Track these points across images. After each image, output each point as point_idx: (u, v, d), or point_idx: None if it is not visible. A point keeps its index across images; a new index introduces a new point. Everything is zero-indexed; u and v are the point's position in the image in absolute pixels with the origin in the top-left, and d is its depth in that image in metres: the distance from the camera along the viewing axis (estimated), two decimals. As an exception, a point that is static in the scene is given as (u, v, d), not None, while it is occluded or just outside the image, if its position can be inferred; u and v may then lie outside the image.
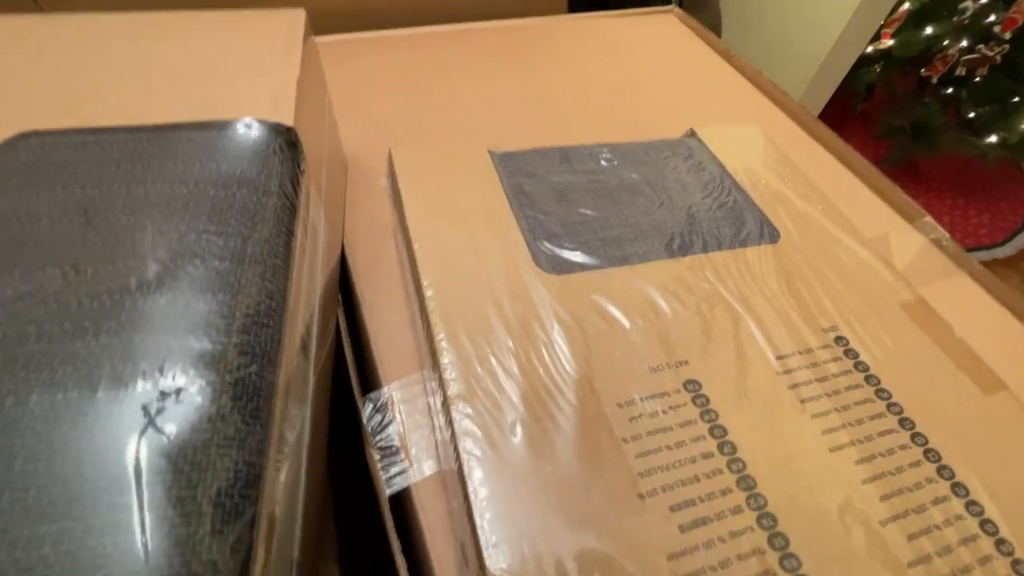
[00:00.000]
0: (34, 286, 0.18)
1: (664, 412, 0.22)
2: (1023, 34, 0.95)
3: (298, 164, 0.25)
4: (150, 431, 0.16)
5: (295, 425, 0.22)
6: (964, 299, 0.34)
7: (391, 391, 0.26)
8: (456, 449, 0.20)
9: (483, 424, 0.20)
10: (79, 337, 0.17)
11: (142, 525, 0.15)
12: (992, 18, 0.97)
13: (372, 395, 0.27)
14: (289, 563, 0.20)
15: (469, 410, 0.21)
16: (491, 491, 0.19)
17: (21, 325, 0.17)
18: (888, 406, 0.23)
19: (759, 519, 0.19)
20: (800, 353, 0.24)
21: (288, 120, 0.25)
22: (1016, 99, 0.97)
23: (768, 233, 0.30)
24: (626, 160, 0.32)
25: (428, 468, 0.24)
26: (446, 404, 0.21)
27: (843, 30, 0.82)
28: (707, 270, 0.27)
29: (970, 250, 1.07)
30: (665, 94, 0.47)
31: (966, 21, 0.98)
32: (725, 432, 0.21)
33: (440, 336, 0.23)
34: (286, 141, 0.24)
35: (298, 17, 0.30)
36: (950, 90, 1.04)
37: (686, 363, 0.23)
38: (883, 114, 1.15)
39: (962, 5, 0.98)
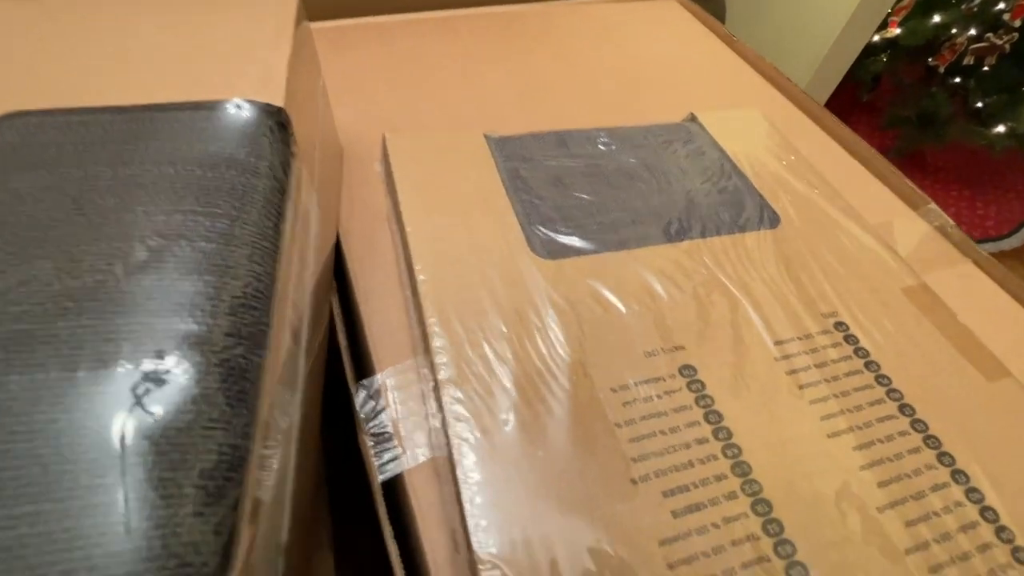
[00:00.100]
0: (16, 266, 0.18)
1: (659, 397, 0.21)
2: (1033, 22, 0.93)
3: (288, 146, 0.24)
4: (133, 412, 0.16)
5: (285, 409, 0.21)
6: (968, 286, 0.34)
7: (384, 378, 0.26)
8: (447, 434, 0.20)
9: (474, 409, 0.20)
10: (61, 318, 0.17)
11: (122, 506, 0.15)
12: (1001, 5, 0.95)
13: (365, 382, 0.26)
14: (277, 546, 0.20)
15: (460, 395, 0.20)
16: (481, 476, 0.18)
17: (1, 305, 0.17)
18: (888, 392, 0.23)
19: (753, 505, 0.19)
20: (799, 338, 0.24)
21: (278, 101, 0.24)
22: (1025, 88, 0.96)
23: (768, 218, 0.29)
24: (624, 144, 0.32)
25: (421, 455, 0.24)
26: (437, 389, 0.21)
27: (849, 18, 0.81)
28: (705, 255, 0.27)
29: (977, 242, 1.06)
30: (666, 79, 0.47)
31: (975, 9, 0.97)
32: (720, 417, 0.21)
33: (432, 321, 0.22)
34: (276, 122, 0.24)
35: (290, -1, 0.29)
36: (958, 79, 1.02)
37: (682, 348, 0.23)
38: (889, 104, 1.13)
39: (971, -8, 0.96)
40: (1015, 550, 0.19)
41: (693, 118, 0.35)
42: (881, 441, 0.21)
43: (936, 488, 0.20)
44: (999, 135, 0.98)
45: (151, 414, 0.16)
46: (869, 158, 0.41)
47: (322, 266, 0.28)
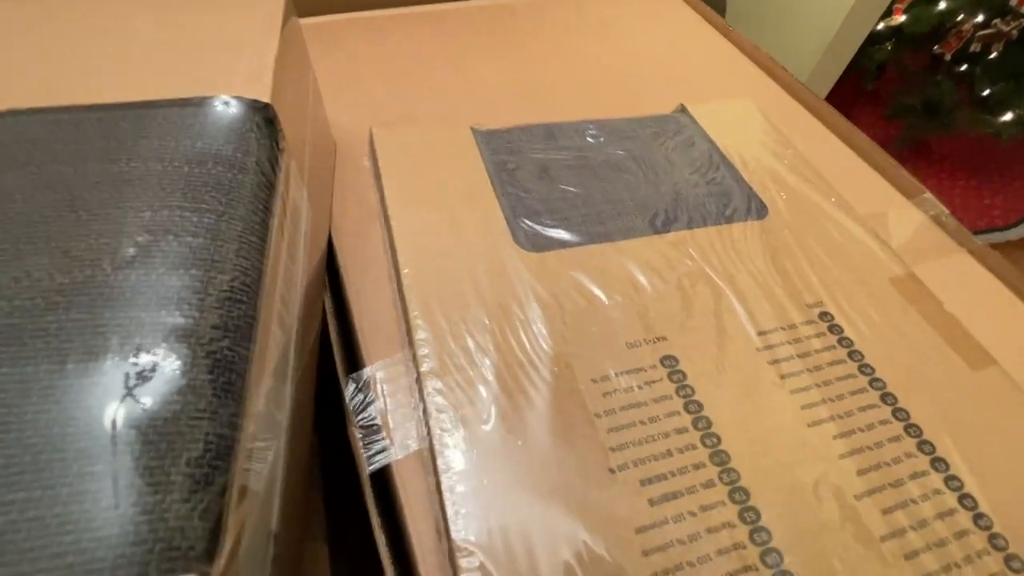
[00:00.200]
0: (8, 262, 0.18)
1: (639, 387, 0.21)
2: (1041, 7, 0.91)
3: (276, 142, 0.24)
4: (121, 403, 0.17)
5: (275, 401, 0.22)
6: (962, 275, 0.33)
7: (374, 371, 0.26)
8: (427, 424, 0.20)
9: (455, 400, 0.20)
10: (51, 312, 0.18)
11: (111, 493, 0.15)
12: (1008, -9, 0.93)
13: (355, 375, 0.27)
14: (267, 534, 0.20)
15: (441, 385, 0.21)
16: (460, 465, 0.19)
17: (-7, 300, 0.18)
18: (871, 381, 0.23)
19: (731, 493, 0.19)
20: (782, 329, 0.24)
21: (265, 97, 0.25)
22: (1032, 75, 0.94)
23: (756, 209, 0.29)
24: (612, 136, 0.32)
25: (409, 446, 0.24)
26: (419, 380, 0.21)
27: (853, 6, 0.80)
28: (691, 246, 0.27)
29: (982, 232, 1.04)
30: (660, 70, 0.46)
31: (981, -6, 0.95)
32: (700, 407, 0.21)
33: (415, 314, 0.23)
34: (263, 118, 0.24)
35: (278, -6, 0.29)
36: (964, 67, 1.01)
37: (664, 339, 0.23)
38: (894, 93, 1.12)
39: (977, -22, 0.95)
40: (992, 536, 0.19)
41: (683, 109, 0.35)
42: (862, 430, 0.22)
43: (915, 476, 0.20)
44: (1006, 123, 0.96)
45: (140, 404, 0.17)
46: (864, 147, 0.41)
47: (315, 260, 0.29)
